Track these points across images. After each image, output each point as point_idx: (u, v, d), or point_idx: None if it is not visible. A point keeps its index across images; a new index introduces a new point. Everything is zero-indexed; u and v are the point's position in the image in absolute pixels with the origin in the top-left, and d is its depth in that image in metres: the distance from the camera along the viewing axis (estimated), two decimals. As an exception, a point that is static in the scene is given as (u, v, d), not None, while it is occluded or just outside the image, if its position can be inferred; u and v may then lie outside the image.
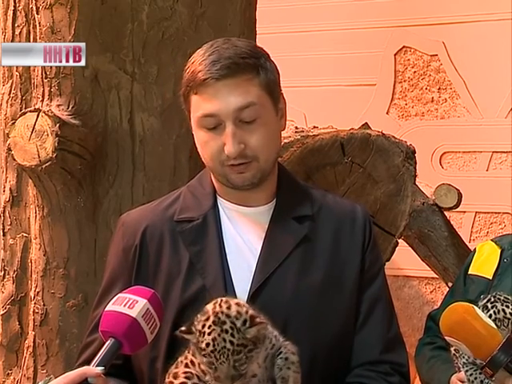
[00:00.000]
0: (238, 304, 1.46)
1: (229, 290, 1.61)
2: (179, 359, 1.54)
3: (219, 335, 1.42)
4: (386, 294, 1.76)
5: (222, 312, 1.44)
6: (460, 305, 1.75)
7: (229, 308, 1.45)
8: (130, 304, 1.47)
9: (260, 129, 1.63)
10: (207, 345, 1.42)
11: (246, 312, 1.45)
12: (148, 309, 1.48)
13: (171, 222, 1.71)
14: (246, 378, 1.45)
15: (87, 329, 1.75)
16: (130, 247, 1.71)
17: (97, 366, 1.42)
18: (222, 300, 1.47)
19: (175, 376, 1.52)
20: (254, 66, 1.63)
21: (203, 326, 1.44)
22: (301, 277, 1.64)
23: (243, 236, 1.69)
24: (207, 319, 1.45)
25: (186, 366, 1.51)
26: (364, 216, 1.76)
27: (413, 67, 4.30)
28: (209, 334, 1.42)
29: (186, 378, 1.50)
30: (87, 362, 1.65)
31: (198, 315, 1.47)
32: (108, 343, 1.45)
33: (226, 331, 1.42)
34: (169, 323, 1.62)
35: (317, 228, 1.70)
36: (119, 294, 1.52)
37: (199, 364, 1.48)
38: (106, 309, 1.49)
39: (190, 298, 1.63)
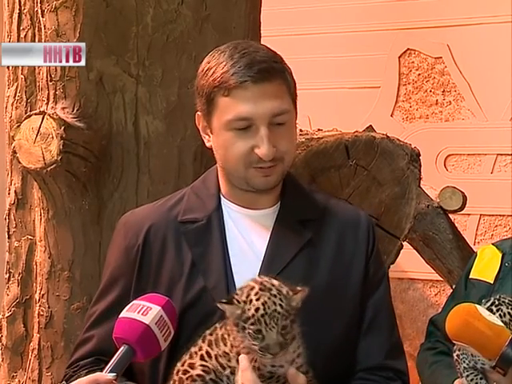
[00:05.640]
0: (277, 280, 1.49)
1: (231, 291, 1.60)
2: (192, 349, 1.53)
3: (269, 298, 1.43)
4: (389, 299, 1.77)
5: (267, 281, 1.47)
6: (462, 307, 1.74)
7: (271, 279, 1.48)
8: (143, 311, 1.48)
9: (288, 132, 1.65)
10: (256, 310, 1.41)
11: (286, 286, 1.48)
12: (162, 316, 1.49)
13: (175, 223, 1.71)
14: (289, 351, 1.45)
15: (84, 325, 1.75)
16: (133, 246, 1.71)
17: (109, 372, 1.43)
18: (261, 276, 1.50)
19: (191, 366, 1.51)
20: (282, 70, 1.64)
21: (248, 295, 1.44)
22: (305, 280, 1.63)
23: (247, 238, 1.69)
24: (252, 289, 1.45)
25: (202, 357, 1.51)
26: (367, 222, 1.76)
27: (417, 70, 4.29)
28: (257, 299, 1.43)
29: (203, 371, 1.50)
30: (81, 360, 1.67)
31: (238, 291, 1.47)
32: (121, 350, 1.46)
33: (275, 296, 1.43)
34: None
35: (321, 232, 1.70)
36: (134, 301, 1.53)
37: (216, 356, 1.49)
38: (120, 315, 1.50)
39: (192, 299, 1.63)
